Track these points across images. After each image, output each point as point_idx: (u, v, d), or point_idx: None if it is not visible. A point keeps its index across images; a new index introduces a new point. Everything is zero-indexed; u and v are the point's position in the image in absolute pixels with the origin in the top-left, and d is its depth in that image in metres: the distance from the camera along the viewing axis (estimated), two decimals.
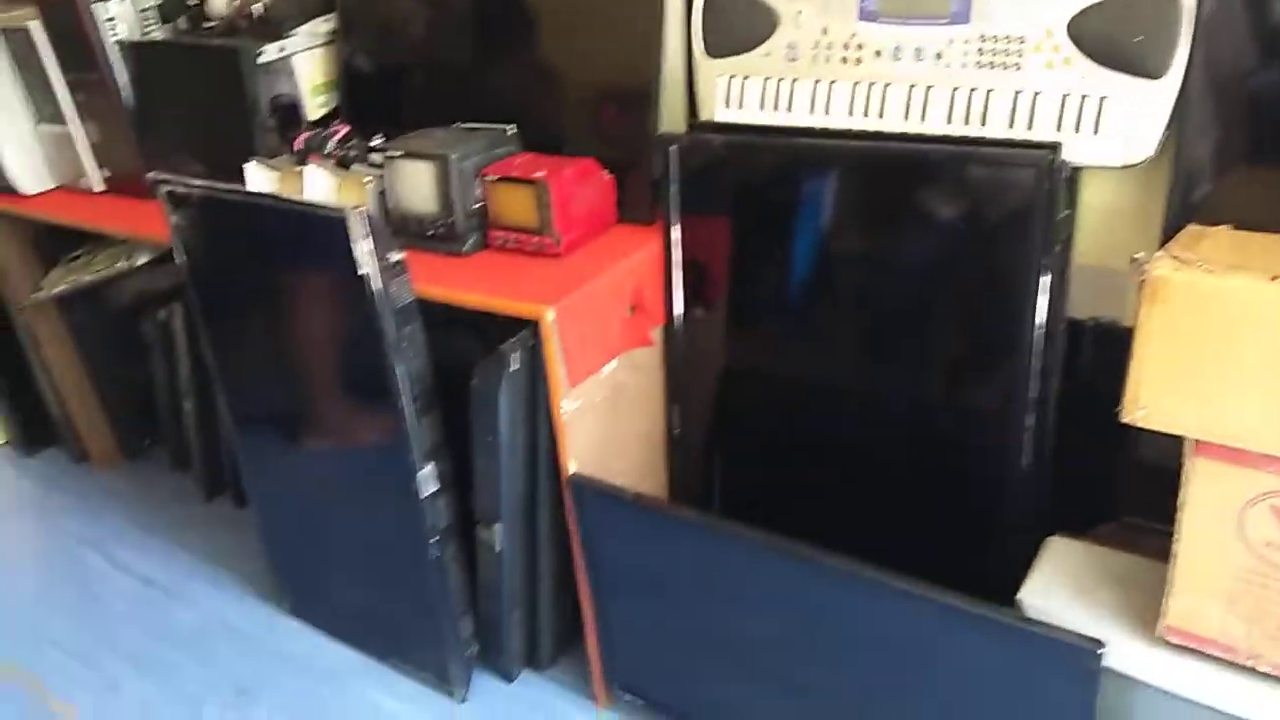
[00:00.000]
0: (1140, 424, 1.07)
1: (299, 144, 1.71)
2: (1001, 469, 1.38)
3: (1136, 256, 1.06)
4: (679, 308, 1.56)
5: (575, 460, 1.44)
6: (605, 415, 1.50)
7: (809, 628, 1.31)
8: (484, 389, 1.42)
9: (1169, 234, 1.20)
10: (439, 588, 1.62)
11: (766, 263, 1.51)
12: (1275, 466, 1.02)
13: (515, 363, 1.41)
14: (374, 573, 1.75)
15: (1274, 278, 0.97)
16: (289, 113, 1.82)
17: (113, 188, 2.07)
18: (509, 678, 1.74)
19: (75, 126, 2.03)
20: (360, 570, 1.78)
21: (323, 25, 1.84)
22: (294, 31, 1.80)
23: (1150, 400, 1.06)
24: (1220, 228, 1.16)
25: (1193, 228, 1.17)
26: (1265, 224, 1.14)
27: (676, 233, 1.52)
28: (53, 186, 2.16)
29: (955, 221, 1.32)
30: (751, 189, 1.49)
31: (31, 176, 2.13)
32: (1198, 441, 1.05)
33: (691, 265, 1.54)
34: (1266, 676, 1.10)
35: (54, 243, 2.26)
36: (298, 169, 1.64)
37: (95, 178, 2.07)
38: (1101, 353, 1.39)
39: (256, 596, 2.02)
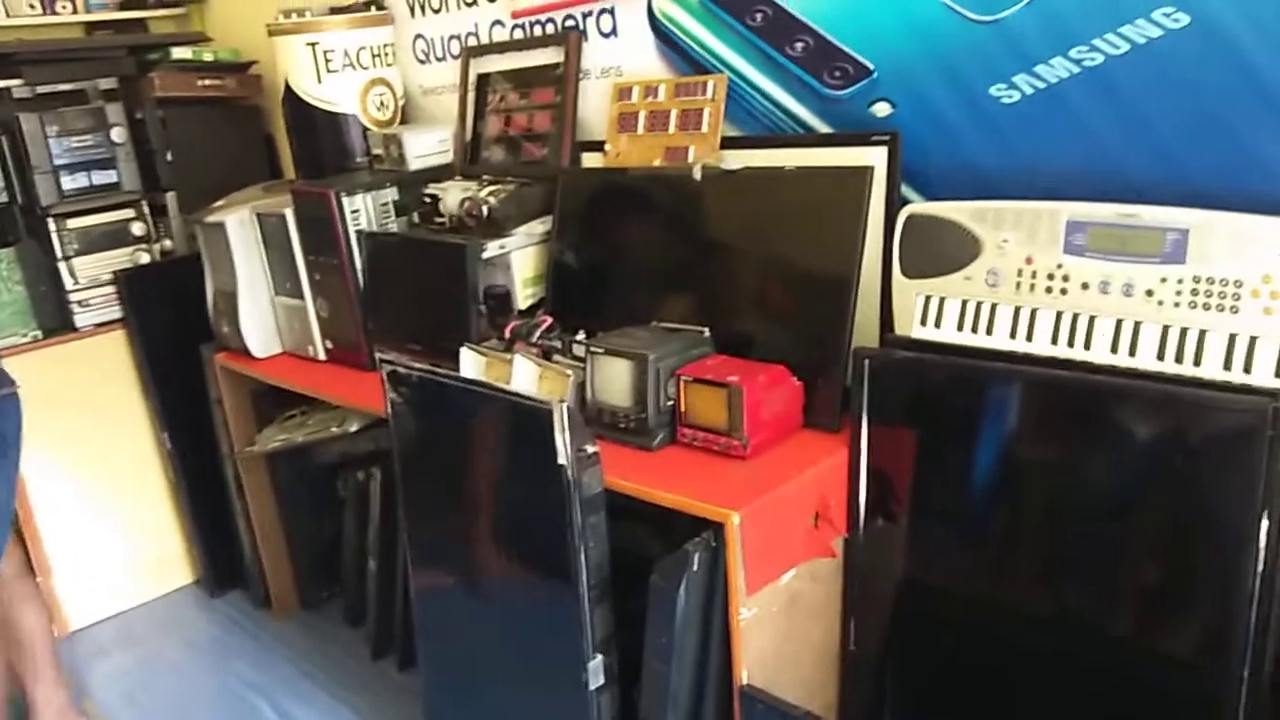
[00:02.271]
0: None
1: (508, 332, 1.84)
2: None
3: None
4: (862, 520, 1.55)
5: (747, 670, 1.42)
6: (780, 625, 1.48)
7: None
8: (664, 587, 1.43)
9: None
10: None
11: (954, 480, 1.49)
12: None
13: (697, 564, 1.42)
14: None
15: None
16: (502, 302, 1.96)
17: (333, 358, 2.26)
18: None
19: (309, 301, 2.24)
20: None
21: (539, 226, 2.01)
22: (514, 231, 1.97)
23: None
24: None
25: None
26: None
27: (865, 444, 1.53)
28: (279, 352, 2.38)
29: (1163, 458, 1.28)
30: (944, 406, 1.49)
31: (263, 342, 2.36)
32: None
33: (877, 477, 1.54)
34: None
35: (271, 402, 2.47)
36: (506, 356, 1.75)
37: (319, 348, 2.27)
38: None
39: None
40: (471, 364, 1.80)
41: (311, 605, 2.70)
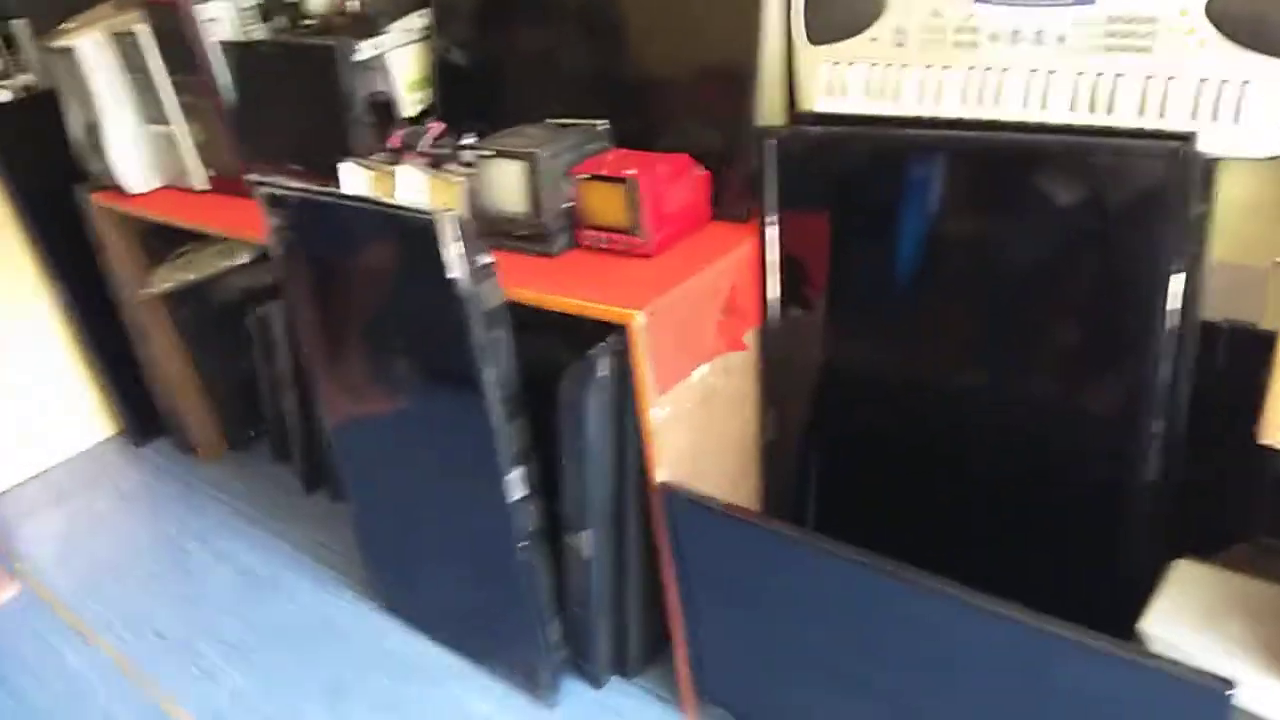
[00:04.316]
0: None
1: (394, 142, 1.70)
2: (1125, 482, 1.28)
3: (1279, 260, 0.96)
4: (775, 309, 1.50)
5: (664, 468, 1.40)
6: (696, 421, 1.45)
7: (907, 650, 1.24)
8: (571, 396, 1.39)
9: None
10: (527, 591, 1.60)
11: (869, 260, 1.43)
12: None
13: (603, 369, 1.37)
14: (464, 574, 1.74)
15: None
16: (385, 110, 1.81)
17: (216, 187, 2.10)
18: (597, 684, 1.71)
19: (179, 126, 2.07)
20: (451, 571, 1.78)
21: (417, 20, 1.83)
22: (389, 28, 1.79)
23: None
24: None
25: None
26: None
27: (773, 230, 1.46)
28: (159, 186, 2.21)
29: (1078, 216, 1.22)
30: (855, 182, 1.41)
31: (138, 176, 2.18)
32: None
33: (789, 264, 1.48)
34: None
35: (161, 240, 2.32)
36: (391, 168, 1.63)
37: (199, 177, 2.11)
38: (1236, 358, 1.28)
39: (353, 591, 2.04)
40: (355, 179, 1.67)
41: (239, 445, 2.64)
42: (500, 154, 1.51)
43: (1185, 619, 1.15)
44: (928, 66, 1.33)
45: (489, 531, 1.58)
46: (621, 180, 1.43)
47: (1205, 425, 1.26)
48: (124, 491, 2.57)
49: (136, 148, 2.16)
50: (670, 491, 1.38)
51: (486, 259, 1.38)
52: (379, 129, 1.82)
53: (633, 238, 1.45)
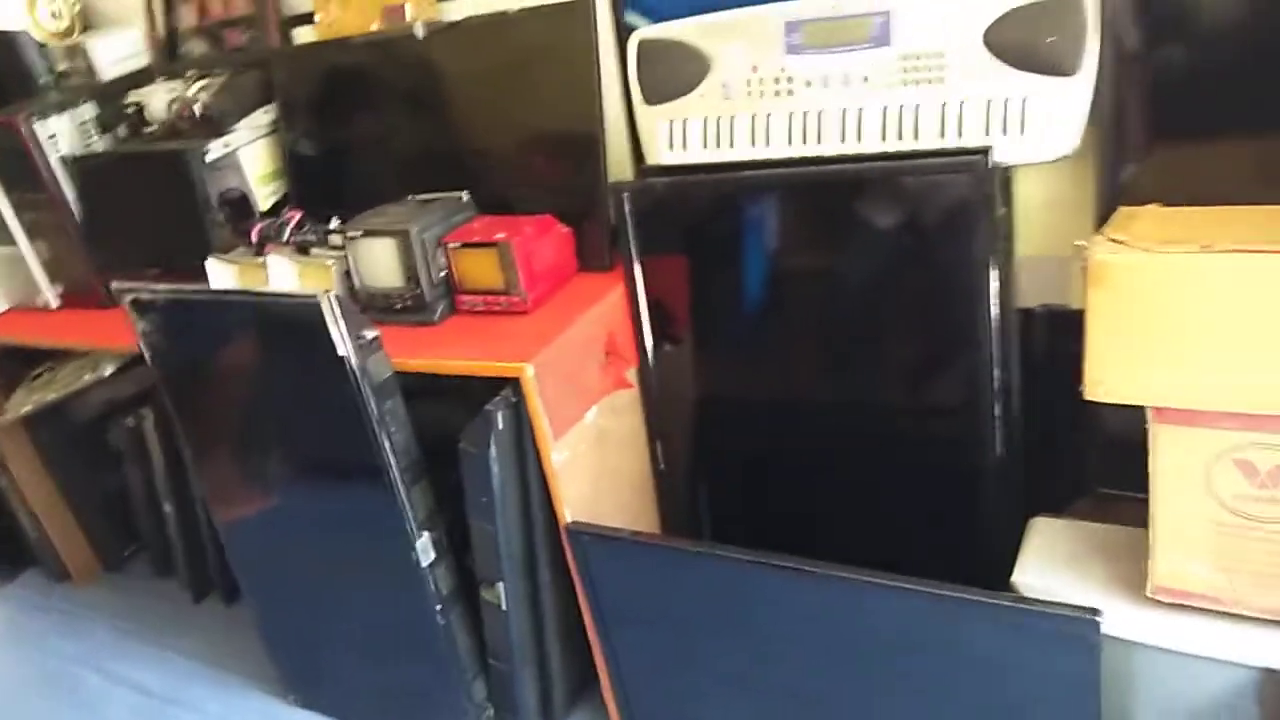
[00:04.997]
0: (1102, 399, 1.13)
1: (255, 235, 1.73)
2: (977, 461, 1.43)
3: (1079, 243, 1.12)
4: (650, 348, 1.61)
5: (569, 508, 1.47)
6: (593, 461, 1.53)
7: (815, 640, 1.35)
8: (473, 451, 1.45)
9: (1102, 218, 1.28)
10: (448, 655, 1.63)
11: (726, 293, 1.56)
12: (1232, 423, 1.08)
13: (501, 422, 1.43)
14: (380, 649, 1.75)
15: (1203, 248, 1.04)
16: (240, 206, 1.84)
17: (68, 303, 2.06)
18: None
19: (25, 246, 2.02)
20: (366, 649, 1.78)
21: (263, 116, 1.88)
22: (236, 126, 1.83)
23: (1108, 377, 1.12)
24: (1148, 206, 1.23)
25: (1124, 209, 1.25)
26: (1187, 198, 1.22)
27: (638, 275, 1.57)
28: (6, 308, 2.14)
29: (900, 232, 1.39)
30: (703, 225, 1.54)
31: None
32: (1157, 409, 1.12)
33: (656, 305, 1.59)
34: (1254, 620, 1.16)
35: (17, 362, 2.24)
36: (258, 260, 1.66)
37: (50, 295, 2.06)
38: (1055, 337, 1.46)
39: (261, 692, 2.00)
40: (222, 275, 1.69)
41: (115, 566, 2.54)
42: (371, 233, 1.57)
43: (1050, 568, 1.30)
44: (753, 115, 1.48)
45: (402, 601, 1.61)
46: (494, 245, 1.51)
47: (1039, 400, 1.44)
48: None
49: None
50: (578, 530, 1.46)
51: (371, 333, 1.43)
52: (236, 224, 1.84)
53: (510, 297, 1.53)
